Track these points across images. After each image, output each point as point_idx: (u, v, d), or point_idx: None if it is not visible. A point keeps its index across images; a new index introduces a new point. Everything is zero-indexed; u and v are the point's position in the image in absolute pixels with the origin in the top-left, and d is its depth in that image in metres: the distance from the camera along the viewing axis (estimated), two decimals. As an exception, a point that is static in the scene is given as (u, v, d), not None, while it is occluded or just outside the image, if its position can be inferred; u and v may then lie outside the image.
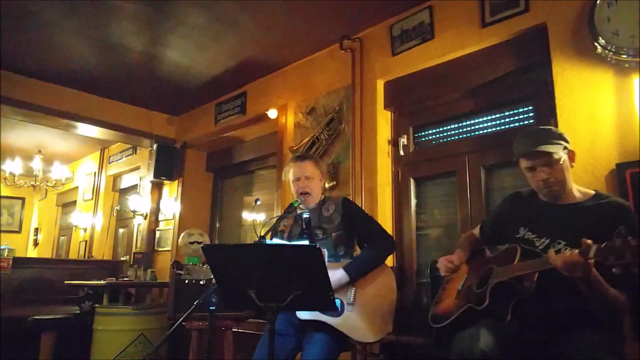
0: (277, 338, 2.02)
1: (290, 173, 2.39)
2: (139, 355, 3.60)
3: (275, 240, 2.32)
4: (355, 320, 2.06)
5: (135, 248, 5.49)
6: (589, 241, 1.40)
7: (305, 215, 2.34)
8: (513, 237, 1.77)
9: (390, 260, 2.65)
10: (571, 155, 1.73)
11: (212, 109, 4.95)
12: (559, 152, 1.66)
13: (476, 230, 2.09)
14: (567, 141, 1.71)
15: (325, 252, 2.13)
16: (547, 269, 1.49)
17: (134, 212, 5.38)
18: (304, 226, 2.32)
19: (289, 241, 2.32)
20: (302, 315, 2.08)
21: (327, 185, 3.42)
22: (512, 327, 1.57)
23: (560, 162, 1.67)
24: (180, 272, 2.49)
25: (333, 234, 2.27)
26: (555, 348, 1.54)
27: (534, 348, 1.59)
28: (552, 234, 1.67)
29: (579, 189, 1.77)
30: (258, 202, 2.54)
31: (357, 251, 2.42)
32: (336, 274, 2.07)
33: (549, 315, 1.56)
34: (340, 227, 2.28)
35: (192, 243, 3.80)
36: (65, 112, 4.68)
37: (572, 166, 1.74)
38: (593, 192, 1.75)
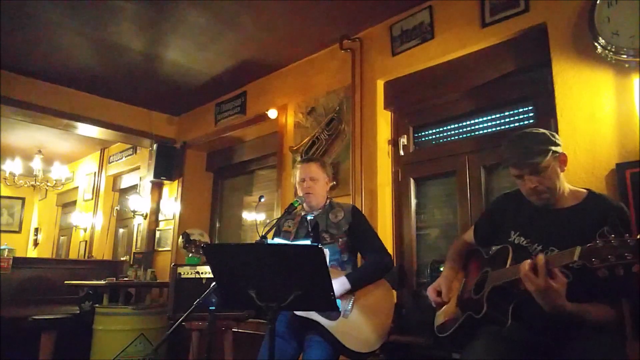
0: (279, 341, 2.03)
1: (296, 175, 2.42)
2: (139, 355, 3.60)
3: (277, 241, 2.32)
4: (349, 327, 2.06)
5: (135, 248, 5.49)
6: (541, 256, 1.40)
7: (309, 217, 2.35)
8: (506, 240, 1.75)
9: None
10: (562, 158, 1.65)
11: (212, 109, 4.95)
12: (546, 160, 1.59)
13: (467, 236, 2.05)
14: (557, 144, 1.62)
15: (327, 251, 2.14)
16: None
17: (134, 212, 5.38)
18: (310, 229, 2.33)
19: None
20: (298, 311, 2.08)
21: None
22: (515, 331, 1.56)
23: (549, 170, 1.61)
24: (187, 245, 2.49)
25: (340, 240, 2.29)
26: (560, 349, 1.53)
27: (539, 350, 1.58)
28: (544, 239, 1.64)
29: (572, 189, 1.71)
30: (262, 199, 2.55)
31: (359, 259, 2.42)
32: (338, 280, 2.08)
33: (550, 316, 1.54)
34: (347, 234, 2.30)
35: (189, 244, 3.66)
36: (65, 112, 4.68)
37: (563, 170, 1.66)
38: (585, 192, 1.69)
